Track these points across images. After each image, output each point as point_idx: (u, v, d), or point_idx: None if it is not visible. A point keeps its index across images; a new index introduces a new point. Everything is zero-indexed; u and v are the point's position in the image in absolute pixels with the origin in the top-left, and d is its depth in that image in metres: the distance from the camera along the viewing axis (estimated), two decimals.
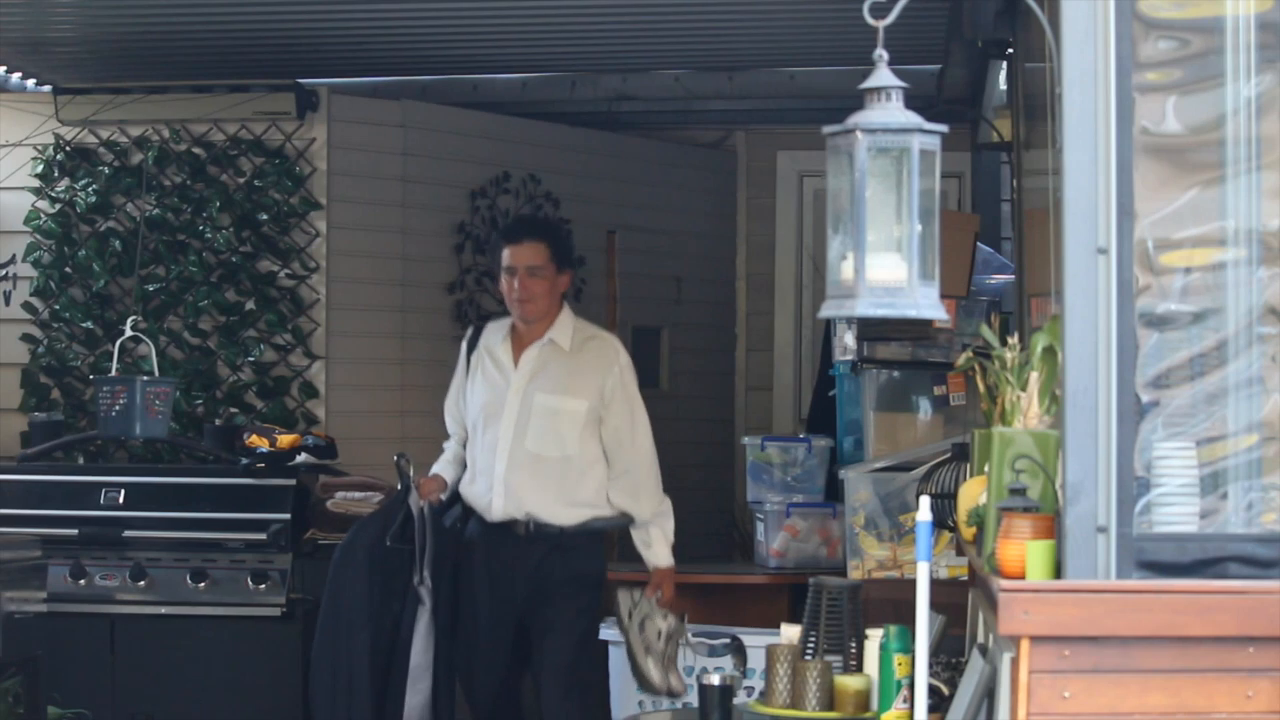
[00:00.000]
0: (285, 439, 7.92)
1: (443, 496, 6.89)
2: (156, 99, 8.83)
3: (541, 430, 6.76)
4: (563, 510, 6.79)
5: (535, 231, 6.91)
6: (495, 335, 6.96)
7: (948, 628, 5.35)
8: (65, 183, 8.91)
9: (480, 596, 6.81)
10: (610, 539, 10.04)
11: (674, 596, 6.89)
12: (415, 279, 9.14)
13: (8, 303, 8.94)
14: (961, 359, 5.81)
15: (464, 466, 6.96)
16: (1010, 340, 4.30)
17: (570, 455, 6.78)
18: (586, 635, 6.88)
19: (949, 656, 5.13)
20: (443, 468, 7.00)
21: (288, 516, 7.72)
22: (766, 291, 10.59)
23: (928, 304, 3.64)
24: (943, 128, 3.66)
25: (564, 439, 6.77)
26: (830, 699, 5.17)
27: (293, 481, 7.80)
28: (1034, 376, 4.14)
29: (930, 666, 4.62)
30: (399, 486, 6.82)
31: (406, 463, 6.80)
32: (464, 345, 7.04)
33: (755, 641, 6.58)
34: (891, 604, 5.61)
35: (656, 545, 6.92)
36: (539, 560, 6.78)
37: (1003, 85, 7.67)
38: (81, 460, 8.62)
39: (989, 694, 4.00)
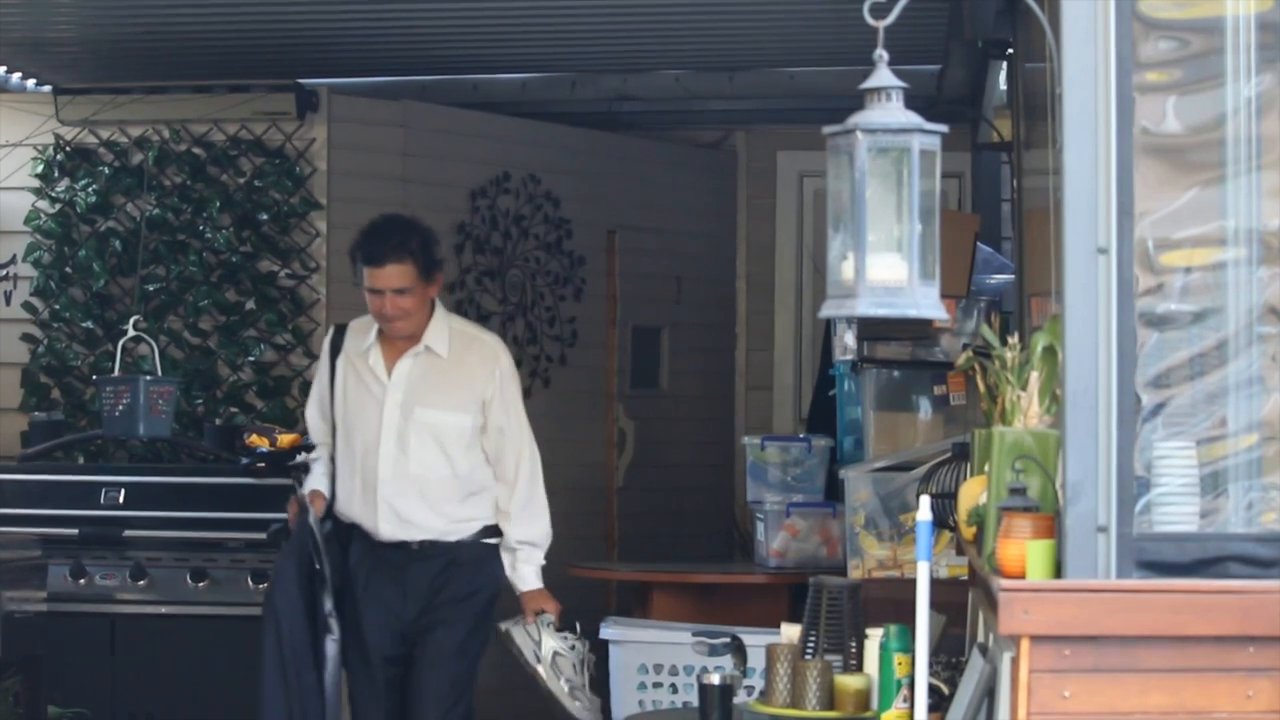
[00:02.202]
0: (285, 439, 7.92)
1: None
2: (156, 99, 8.83)
3: (425, 449, 6.31)
4: (455, 526, 6.37)
5: (397, 250, 6.25)
6: (360, 339, 6.43)
7: (948, 627, 5.35)
8: (65, 183, 8.91)
9: (368, 622, 6.36)
10: (610, 538, 10.07)
11: (559, 608, 6.47)
12: None
13: (8, 303, 8.94)
14: (961, 359, 5.82)
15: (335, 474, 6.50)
16: (1010, 340, 4.30)
17: (458, 471, 6.35)
18: (471, 665, 6.41)
19: (949, 656, 5.13)
20: (320, 482, 6.50)
21: (288, 516, 7.72)
22: (766, 291, 10.59)
23: (928, 304, 3.64)
24: (943, 128, 3.66)
25: (451, 458, 6.33)
26: (830, 698, 5.17)
27: (293, 481, 7.80)
28: (1034, 376, 4.15)
29: (930, 666, 4.62)
30: (300, 510, 6.39)
31: (301, 481, 6.49)
32: (326, 347, 6.53)
33: (755, 641, 6.57)
34: (891, 604, 5.61)
35: (523, 569, 6.45)
36: (431, 577, 6.36)
37: (1003, 85, 7.68)
38: (81, 460, 8.62)
39: (989, 694, 4.01)
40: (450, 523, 6.35)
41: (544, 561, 6.49)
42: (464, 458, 6.33)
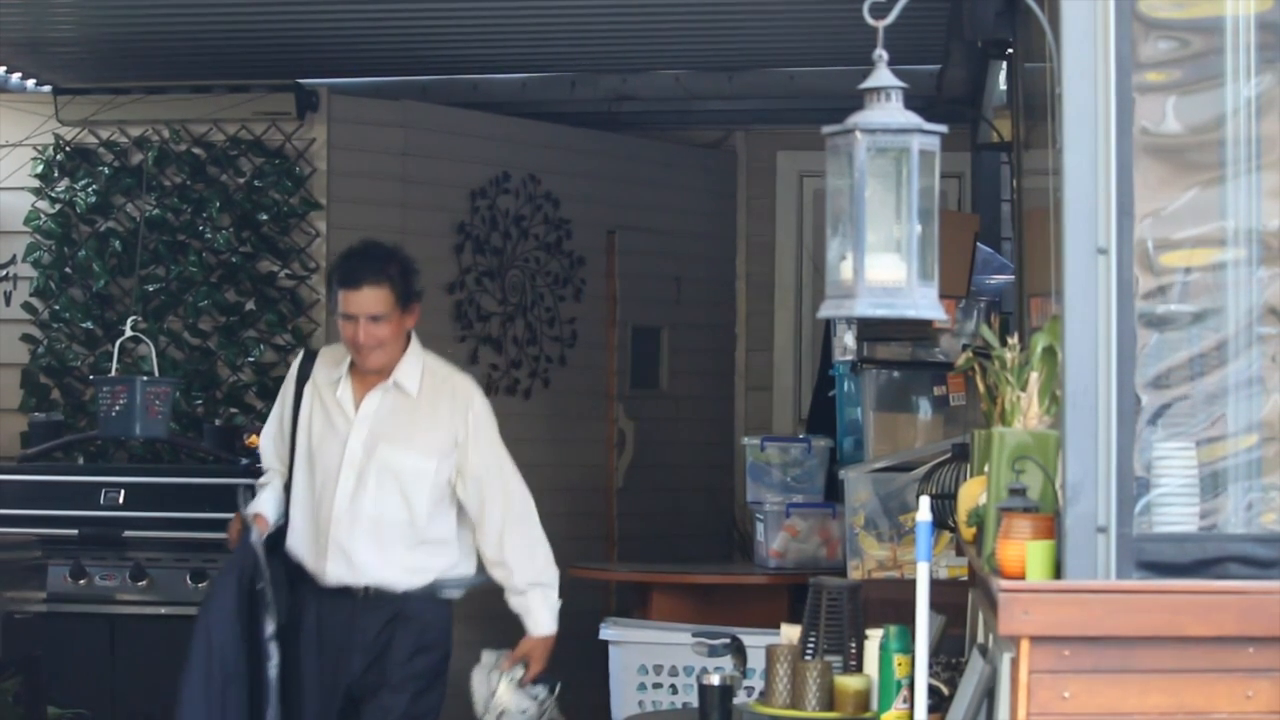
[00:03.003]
0: None
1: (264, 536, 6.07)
2: (156, 99, 8.83)
3: (384, 490, 5.94)
4: (405, 576, 5.97)
5: (375, 274, 5.92)
6: (331, 369, 6.08)
7: (948, 628, 5.35)
8: (65, 183, 8.91)
9: (308, 668, 5.99)
10: (610, 539, 10.07)
11: (540, 669, 6.03)
12: None
13: (8, 303, 8.94)
14: (961, 359, 5.82)
15: (285, 504, 6.13)
16: (1010, 340, 4.30)
17: (417, 517, 5.96)
18: None
19: (949, 656, 5.13)
20: (266, 506, 6.12)
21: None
22: (766, 291, 10.59)
23: (927, 304, 3.64)
24: (942, 128, 3.66)
25: (410, 501, 5.95)
26: (830, 699, 5.17)
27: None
28: (1034, 376, 4.15)
29: (930, 666, 4.62)
30: (242, 529, 6.07)
31: (246, 500, 6.14)
32: (293, 373, 6.16)
33: (755, 641, 6.57)
34: (891, 604, 5.61)
35: (537, 613, 6.04)
36: (378, 630, 5.97)
37: (1003, 85, 7.67)
38: (81, 460, 8.62)
39: (989, 694, 4.01)
40: (400, 571, 5.96)
41: (560, 601, 6.10)
42: (424, 503, 5.95)
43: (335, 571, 5.94)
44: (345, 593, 5.95)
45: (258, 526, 5.98)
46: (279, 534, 6.08)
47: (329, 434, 6.00)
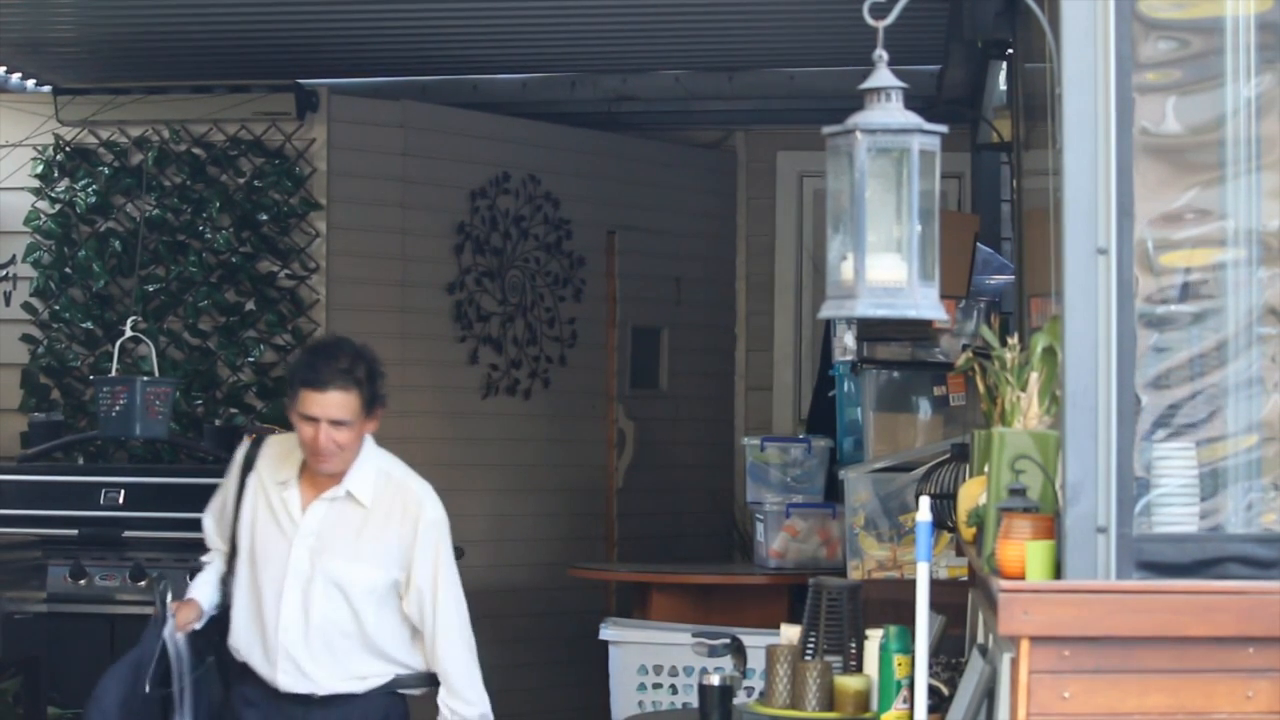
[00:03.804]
0: None
1: (198, 625, 5.67)
2: (156, 99, 8.83)
3: (331, 602, 5.54)
4: (360, 684, 5.60)
5: (343, 378, 5.47)
6: (278, 466, 5.66)
7: (947, 628, 5.36)
8: (65, 183, 8.91)
9: None
10: (610, 539, 10.07)
11: None
12: (415, 279, 9.14)
13: (8, 303, 8.94)
14: (961, 359, 5.82)
15: (225, 591, 5.71)
16: (1010, 340, 4.30)
17: (366, 626, 5.57)
18: None
19: (949, 656, 5.13)
20: (203, 592, 5.73)
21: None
22: (766, 291, 10.59)
23: (927, 304, 3.64)
24: (943, 128, 3.66)
25: (358, 612, 5.56)
26: (830, 699, 5.17)
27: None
28: (1034, 377, 4.15)
29: (930, 666, 4.62)
30: (155, 617, 5.61)
31: (165, 589, 5.65)
32: (239, 458, 5.74)
33: (755, 641, 6.58)
34: (891, 604, 5.62)
35: None
36: None
37: (1003, 85, 7.67)
38: (81, 460, 8.62)
39: (989, 694, 4.01)
40: (354, 679, 5.58)
41: None
42: (372, 613, 5.57)
43: (288, 682, 5.57)
44: (298, 698, 5.59)
45: (181, 615, 5.59)
46: (217, 623, 5.71)
47: (274, 536, 5.61)
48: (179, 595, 5.72)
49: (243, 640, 5.61)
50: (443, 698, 5.63)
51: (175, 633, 5.54)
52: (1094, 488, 3.67)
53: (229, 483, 5.73)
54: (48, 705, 7.30)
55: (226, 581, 5.69)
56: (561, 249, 9.78)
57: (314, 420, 5.46)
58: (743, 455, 8.39)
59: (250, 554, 5.62)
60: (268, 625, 5.56)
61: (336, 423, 5.45)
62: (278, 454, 5.68)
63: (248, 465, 5.69)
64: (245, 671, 5.62)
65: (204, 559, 5.82)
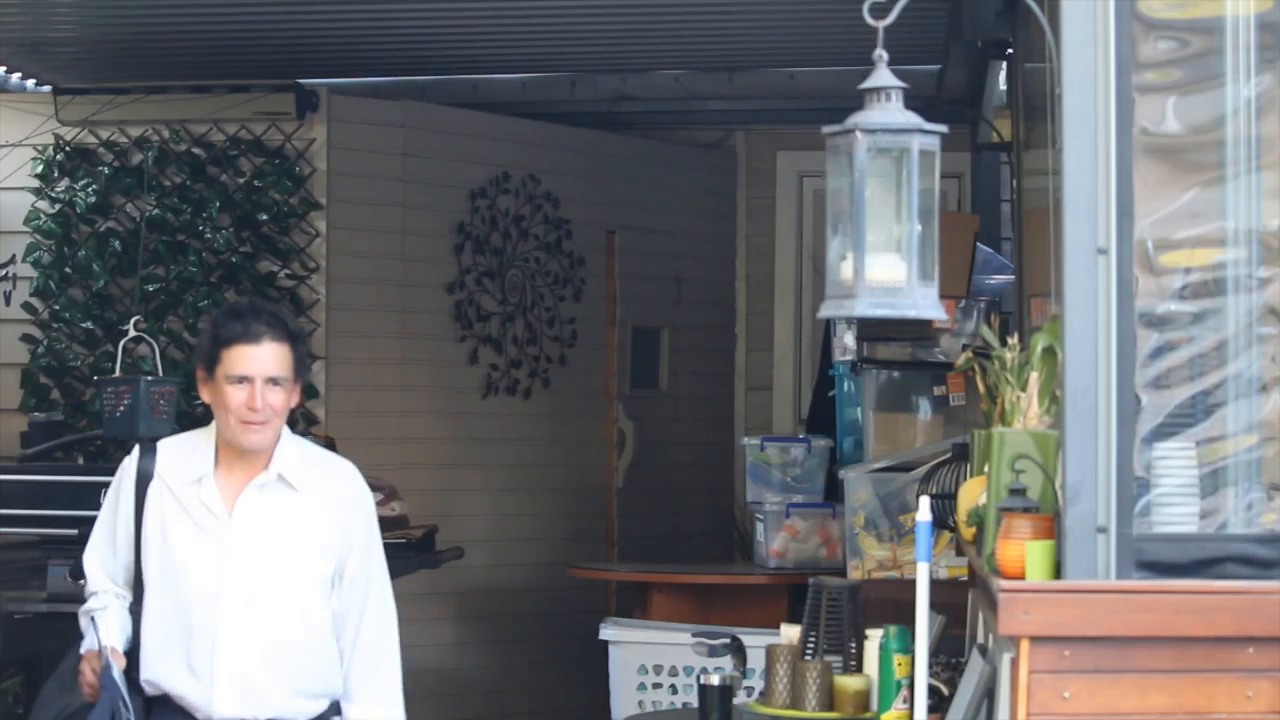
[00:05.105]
0: None
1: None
2: (156, 99, 8.83)
3: (280, 604, 4.90)
4: (308, 704, 4.96)
5: (278, 330, 4.90)
6: (183, 466, 4.98)
7: (947, 628, 5.35)
8: (65, 183, 8.92)
9: None
10: (610, 539, 10.07)
11: None
12: (415, 279, 9.14)
13: (8, 303, 8.95)
14: (961, 359, 5.82)
15: (132, 632, 4.99)
16: (1010, 340, 4.30)
17: (314, 629, 4.94)
18: None
19: (949, 656, 5.13)
20: (114, 638, 4.96)
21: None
22: (766, 291, 10.60)
23: (927, 304, 3.64)
24: (942, 128, 3.66)
25: (308, 611, 4.93)
26: (830, 699, 5.17)
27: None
28: (1034, 376, 4.15)
29: (930, 666, 4.62)
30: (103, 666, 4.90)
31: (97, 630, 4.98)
32: (129, 471, 5.06)
33: (755, 641, 6.58)
34: (891, 604, 5.61)
35: None
36: None
37: (1003, 85, 7.67)
38: (81, 460, 8.62)
39: (989, 694, 4.01)
40: (305, 699, 4.94)
41: None
42: (320, 614, 4.94)
43: (227, 706, 4.90)
44: None
45: (117, 662, 4.89)
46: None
47: (196, 542, 4.92)
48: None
49: (163, 669, 4.94)
50: (357, 709, 5.01)
51: (120, 673, 4.89)
52: (1094, 488, 3.67)
53: (121, 505, 5.07)
54: None
55: (134, 613, 5.01)
56: (561, 249, 9.79)
57: (247, 380, 4.85)
58: (743, 455, 8.38)
59: (167, 571, 4.95)
60: (200, 644, 4.90)
61: (272, 380, 4.87)
62: (179, 454, 5.02)
63: (143, 477, 5.01)
64: (164, 707, 4.96)
65: (89, 607, 5.06)
